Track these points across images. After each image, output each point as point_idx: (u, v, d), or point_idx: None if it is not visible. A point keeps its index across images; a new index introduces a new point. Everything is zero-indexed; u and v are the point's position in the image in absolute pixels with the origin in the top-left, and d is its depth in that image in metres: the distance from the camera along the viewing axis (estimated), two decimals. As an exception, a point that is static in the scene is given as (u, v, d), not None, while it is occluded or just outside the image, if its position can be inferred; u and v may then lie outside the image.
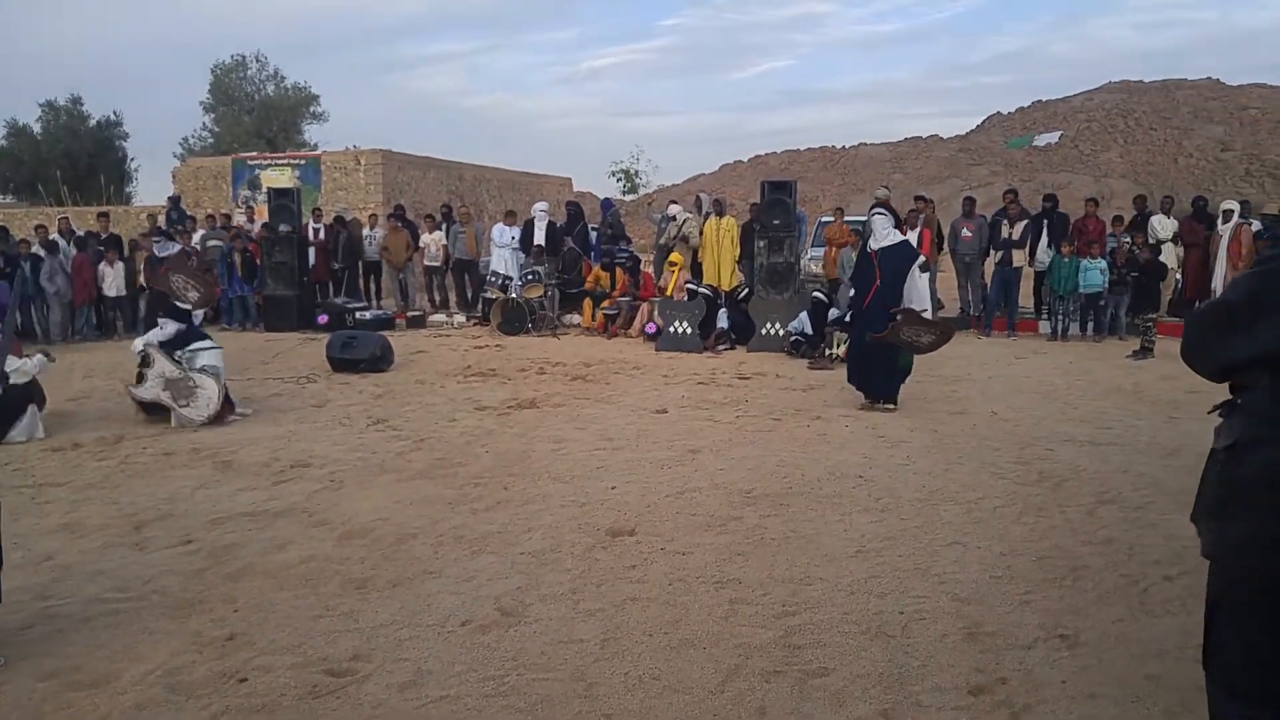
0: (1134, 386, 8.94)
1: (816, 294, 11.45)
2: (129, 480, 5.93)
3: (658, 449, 6.49)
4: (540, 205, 15.69)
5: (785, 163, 40.16)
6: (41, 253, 13.73)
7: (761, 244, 12.10)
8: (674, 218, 14.13)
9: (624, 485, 5.59)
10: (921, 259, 7.87)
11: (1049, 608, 3.79)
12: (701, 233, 13.64)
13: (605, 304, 13.48)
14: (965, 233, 13.01)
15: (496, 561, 4.37)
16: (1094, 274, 12.08)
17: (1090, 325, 12.44)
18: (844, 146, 42.49)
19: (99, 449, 6.76)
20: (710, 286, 12.59)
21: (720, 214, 13.67)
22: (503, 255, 14.85)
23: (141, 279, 13.47)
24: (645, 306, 12.96)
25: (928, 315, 7.81)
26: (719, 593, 3.95)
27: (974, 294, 13.29)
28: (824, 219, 16.99)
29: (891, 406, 7.67)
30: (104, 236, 14.74)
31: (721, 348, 11.64)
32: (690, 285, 12.30)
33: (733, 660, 3.34)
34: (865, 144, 42.35)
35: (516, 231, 15.06)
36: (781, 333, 11.42)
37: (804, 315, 11.14)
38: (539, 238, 14.77)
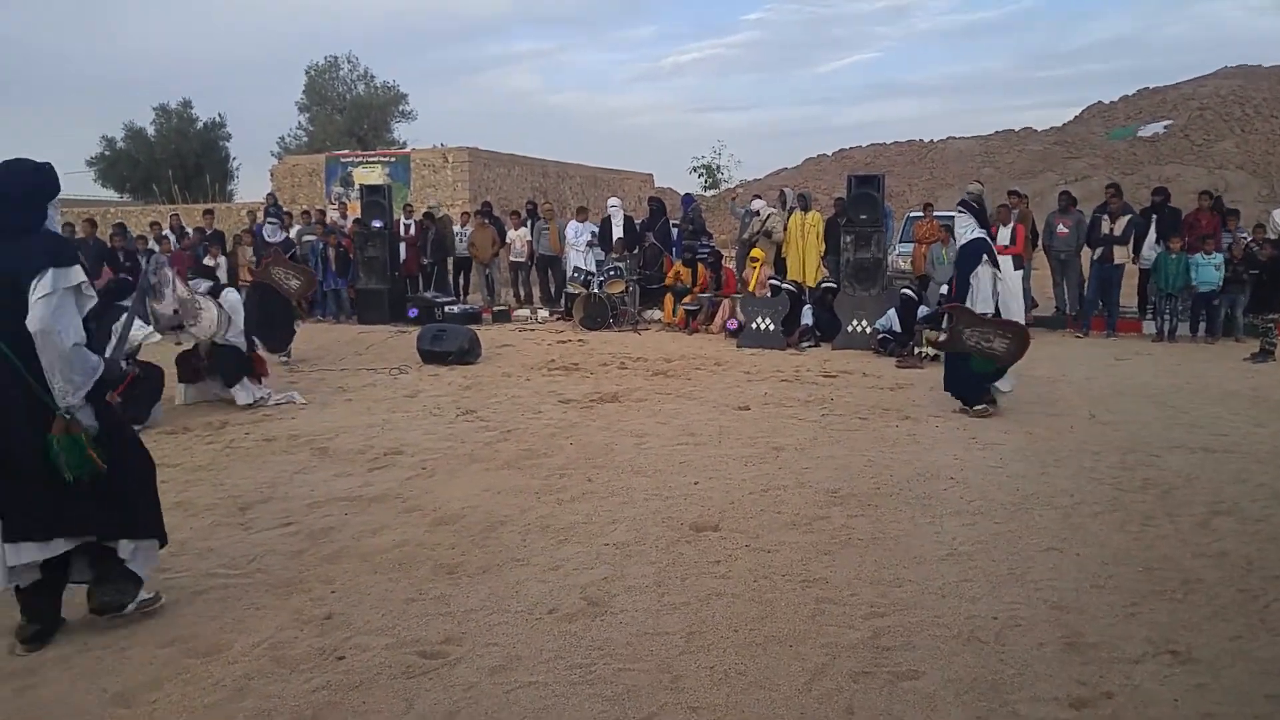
0: (1252, 391, 8.51)
1: (905, 290, 11.25)
2: (234, 464, 6.20)
3: (740, 446, 6.48)
4: (614, 201, 15.78)
5: (871, 157, 39.53)
6: (156, 247, 14.44)
7: (848, 239, 11.95)
8: (757, 213, 14.05)
9: (707, 481, 5.60)
10: (985, 257, 7.52)
11: (1157, 621, 3.64)
12: (785, 228, 13.54)
13: (686, 300, 13.49)
14: (1061, 228, 12.58)
15: (582, 552, 4.43)
16: (1209, 271, 11.43)
17: (1202, 325, 11.80)
18: (932, 140, 41.62)
19: (206, 433, 7.07)
20: (794, 282, 12.50)
21: (805, 209, 13.55)
22: (578, 252, 14.98)
23: (243, 272, 13.99)
24: (727, 302, 12.93)
25: (990, 317, 7.48)
26: (805, 591, 3.93)
27: (1070, 292, 12.84)
28: (912, 214, 16.69)
29: (983, 410, 7.45)
30: (209, 232, 15.36)
31: (805, 345, 11.54)
32: (773, 281, 12.22)
33: (820, 659, 3.33)
34: (954, 137, 41.40)
35: (589, 228, 15.18)
36: (868, 330, 11.27)
37: (892, 312, 10.96)
38: (616, 233, 14.85)
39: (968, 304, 7.45)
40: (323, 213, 17.61)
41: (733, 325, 12.33)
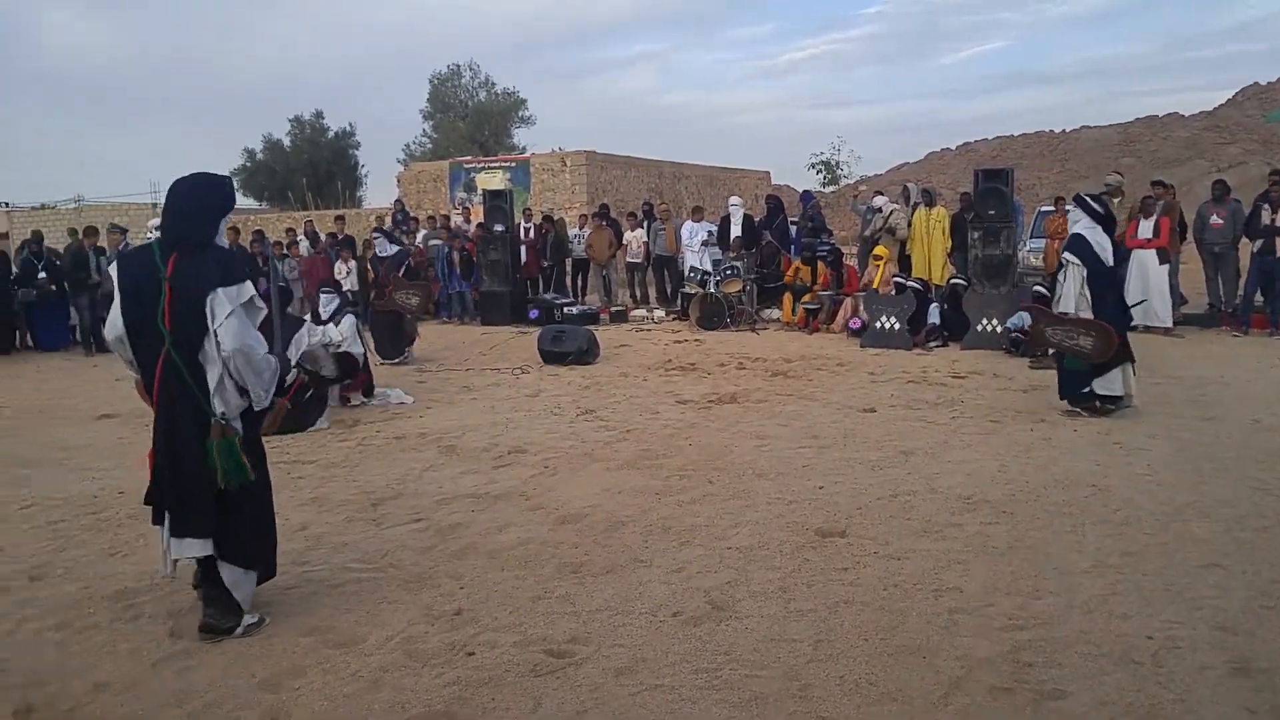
0: None
1: (1038, 288, 10.76)
2: (366, 460, 6.42)
3: (867, 449, 6.32)
4: (734, 200, 15.66)
5: (997, 150, 38.09)
6: (288, 253, 15.19)
7: (975, 235, 11.52)
8: (880, 209, 13.71)
9: (832, 485, 5.48)
10: (1072, 255, 7.02)
11: (1336, 647, 3.33)
12: (909, 224, 13.17)
13: (806, 298, 13.26)
14: (1215, 219, 11.74)
15: (705, 554, 4.39)
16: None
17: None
18: (1063, 130, 39.76)
19: (340, 431, 7.35)
20: (920, 280, 12.13)
21: (930, 204, 13.15)
22: (693, 252, 14.93)
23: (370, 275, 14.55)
24: (849, 301, 12.65)
25: (1072, 316, 7.01)
26: (938, 601, 3.79)
27: (1226, 288, 11.95)
28: (1043, 208, 15.99)
29: (1080, 411, 7.07)
30: (340, 237, 16.01)
31: (932, 344, 11.18)
32: (898, 279, 11.88)
33: (955, 672, 3.19)
34: (1088, 127, 39.42)
35: (704, 228, 15.11)
36: (999, 329, 10.83)
37: (1024, 311, 10.50)
38: (735, 232, 14.74)
39: (1054, 300, 7.07)
40: (447, 218, 18.13)
41: (855, 324, 12.06)
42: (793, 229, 15.41)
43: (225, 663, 3.41)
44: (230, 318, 3.44)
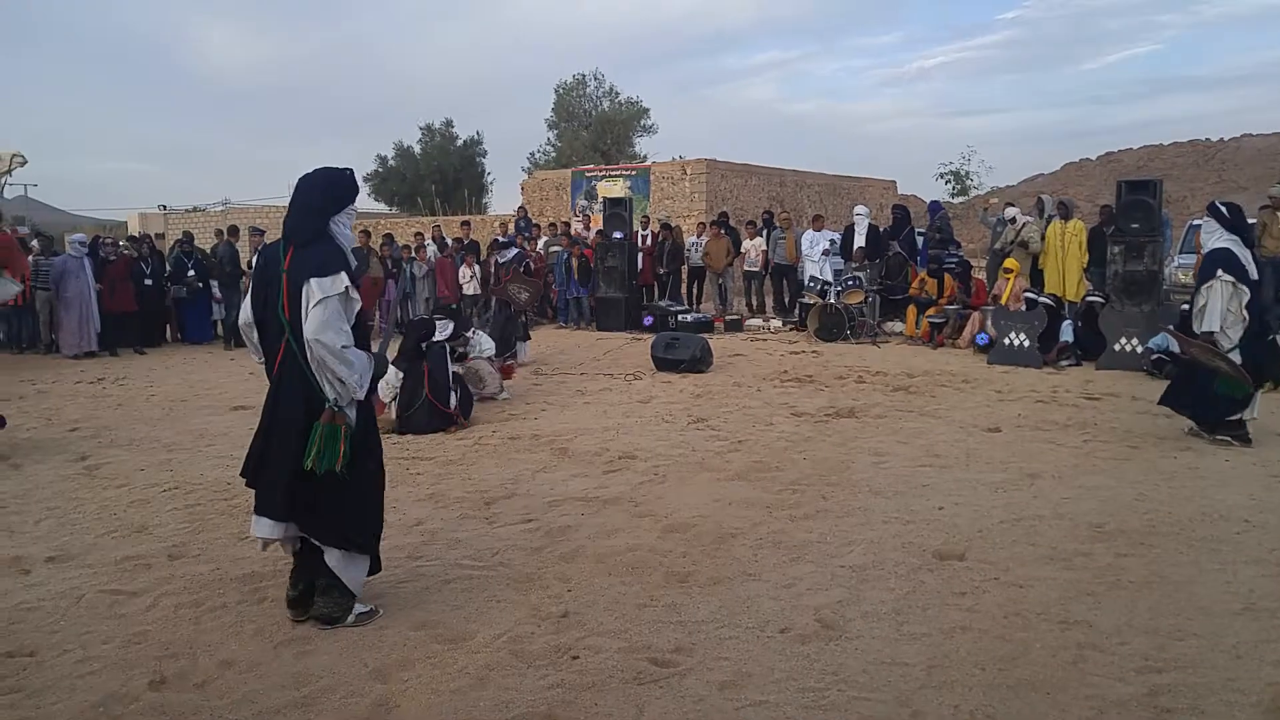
0: None
1: (1186, 306, 10.13)
2: (481, 460, 6.54)
3: (990, 470, 6.06)
4: (860, 208, 15.34)
5: (1143, 159, 36.04)
6: (415, 256, 15.72)
7: (1116, 250, 10.93)
8: (1012, 220, 13.19)
9: (952, 506, 5.27)
10: (1222, 271, 6.52)
11: None
12: (1043, 237, 12.62)
13: (931, 311, 12.88)
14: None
15: (816, 571, 4.28)
16: None
17: None
18: (1220, 139, 37.34)
19: (458, 431, 7.51)
20: (1053, 296, 11.61)
21: (1066, 217, 12.56)
22: (813, 261, 14.68)
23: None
24: (976, 315, 12.20)
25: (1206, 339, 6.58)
26: (1065, 634, 3.58)
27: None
28: (1195, 222, 15.07)
29: (1226, 439, 6.59)
30: (465, 243, 16.45)
31: (1065, 363, 10.66)
32: (1029, 294, 11.39)
33: (1083, 712, 3.00)
34: (1250, 135, 36.80)
35: (824, 237, 14.84)
36: (1139, 350, 10.24)
37: (1166, 333, 9.89)
38: (859, 241, 14.44)
39: (1194, 319, 6.60)
40: (567, 224, 18.39)
41: (983, 340, 11.63)
42: (919, 240, 15.00)
43: (340, 650, 3.51)
44: (316, 306, 3.52)
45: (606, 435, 7.24)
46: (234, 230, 15.56)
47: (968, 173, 37.79)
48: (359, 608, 3.78)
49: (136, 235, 17.78)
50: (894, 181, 29.61)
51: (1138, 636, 3.55)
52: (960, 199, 35.15)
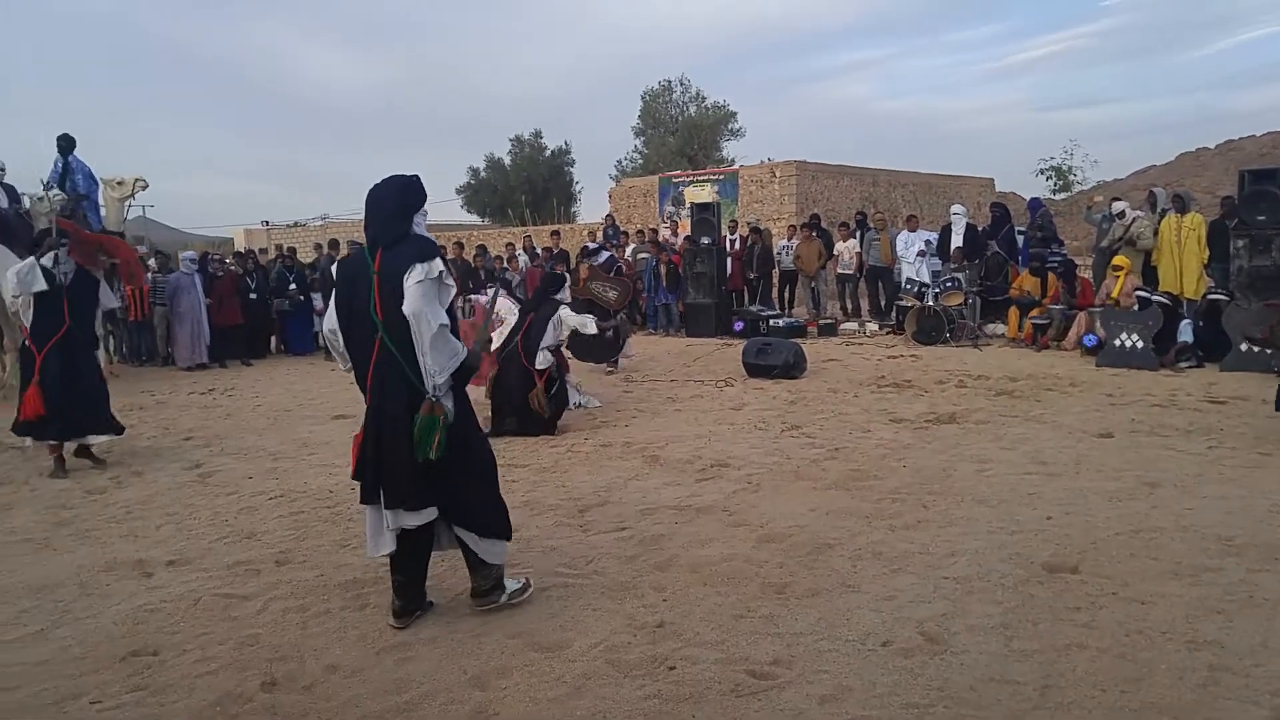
0: None
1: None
2: (574, 467, 6.57)
3: (1103, 479, 5.78)
4: (957, 207, 14.95)
5: (1268, 147, 34.00)
6: (508, 269, 16.00)
7: (1240, 244, 10.35)
8: (1121, 215, 12.64)
9: (1062, 516, 5.04)
10: None
11: None
12: (1156, 233, 12.05)
13: (1034, 313, 12.45)
14: None
15: (918, 583, 4.15)
16: None
17: None
18: (1349, 125, 34.93)
19: (550, 438, 7.57)
20: (1168, 294, 11.07)
21: (1182, 210, 11.96)
22: (909, 263, 14.35)
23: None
24: (1083, 316, 11.73)
25: None
26: (1193, 655, 3.36)
27: None
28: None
29: None
30: (555, 252, 16.63)
31: (1183, 365, 10.14)
32: (1142, 292, 10.88)
33: (1214, 737, 2.81)
34: (1379, 120, 34.39)
35: (920, 238, 14.48)
36: (1270, 350, 9.65)
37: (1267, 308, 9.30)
38: (956, 241, 14.06)
39: None
40: (655, 231, 18.42)
41: (1090, 341, 11.16)
42: (1020, 238, 14.52)
43: (439, 657, 3.54)
44: (417, 284, 3.63)
45: (698, 443, 7.19)
46: (334, 243, 16.07)
47: (1070, 168, 36.38)
48: (511, 584, 3.98)
49: (242, 251, 18.53)
50: (991, 179, 28.75)
51: (1274, 658, 3.31)
52: (1063, 195, 33.87)
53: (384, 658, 3.56)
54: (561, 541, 4.89)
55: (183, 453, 7.55)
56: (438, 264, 3.73)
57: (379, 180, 3.94)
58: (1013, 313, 12.83)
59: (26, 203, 11.62)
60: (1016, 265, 13.78)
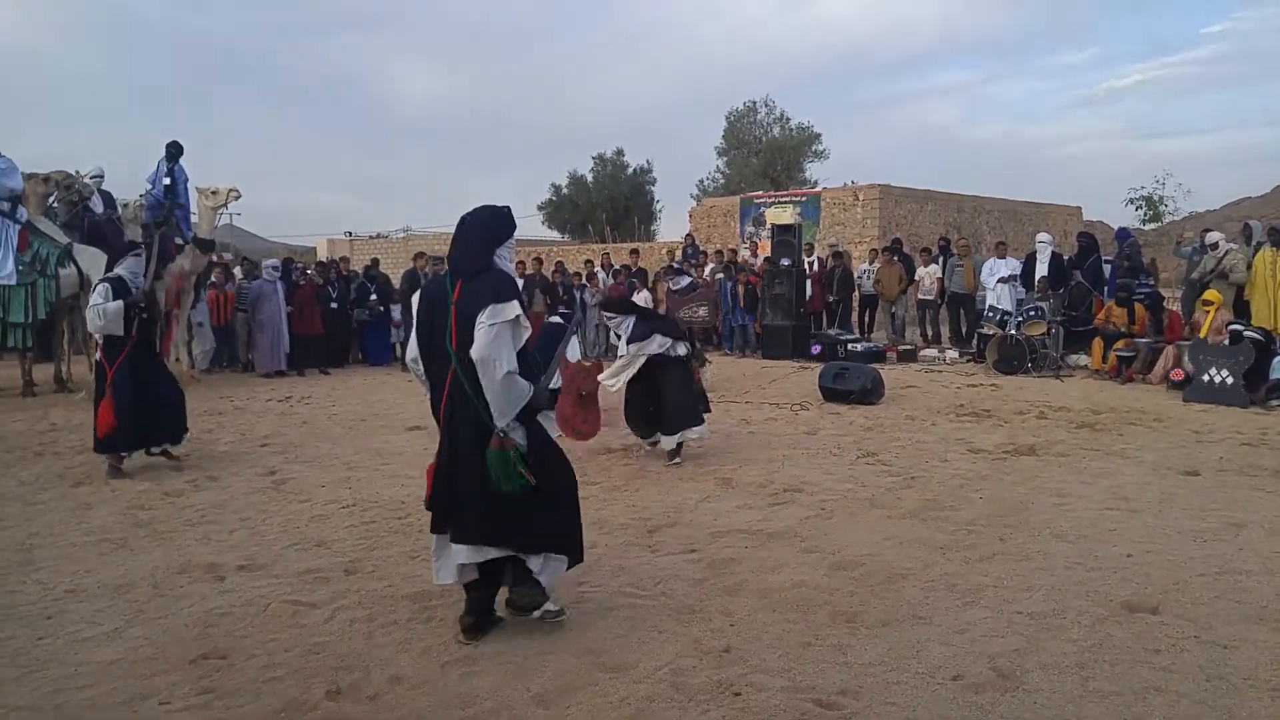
0: None
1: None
2: (645, 486, 6.59)
3: (1187, 517, 5.58)
4: (1043, 236, 14.62)
5: (1370, 180, 32.52)
6: (586, 285, 16.15)
7: (1338, 280, 9.91)
8: (1214, 246, 12.20)
9: (1143, 555, 4.88)
10: None
11: None
12: (1250, 266, 11.60)
13: (1120, 345, 12.06)
14: None
15: (991, 617, 4.06)
16: None
17: None
18: None
19: (622, 457, 7.62)
20: (1261, 329, 10.62)
21: (1279, 244, 11.50)
22: (997, 290, 14.06)
23: (660, 307, 15.10)
24: (1170, 350, 11.34)
25: None
26: (1275, 703, 3.22)
27: None
28: None
29: None
30: (634, 270, 16.75)
31: (1275, 403, 9.72)
32: (1235, 326, 10.48)
33: (1301, 793, 2.70)
34: None
35: (1008, 265, 14.17)
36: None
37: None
38: (1041, 270, 13.73)
39: None
40: (734, 251, 18.40)
41: (1177, 376, 10.78)
42: (1106, 269, 14.11)
43: (504, 673, 3.58)
44: (489, 327, 3.64)
45: (771, 466, 7.15)
46: (419, 255, 16.41)
47: (1162, 198, 35.25)
48: (549, 606, 3.93)
49: (324, 261, 19.02)
50: (1079, 207, 28.07)
51: (1368, 713, 3.16)
52: (1152, 225, 32.85)
53: (449, 671, 3.61)
54: (630, 561, 4.91)
55: (258, 459, 7.77)
56: (514, 306, 3.73)
57: (472, 208, 3.98)
58: (1097, 344, 12.46)
59: (119, 209, 12.23)
60: (1101, 296, 13.40)
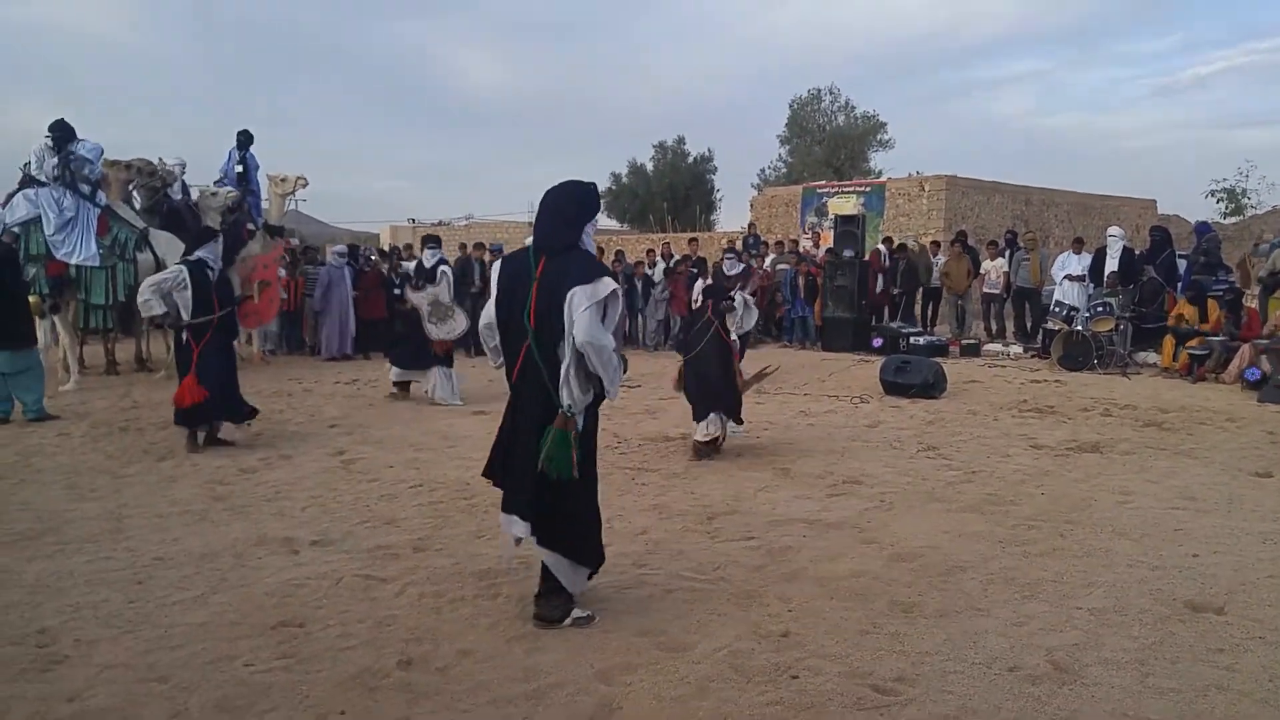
0: None
1: None
2: (704, 474, 6.67)
3: (1257, 519, 5.48)
4: (1114, 230, 14.28)
5: None
6: (651, 274, 16.24)
7: None
8: (1284, 245, 11.84)
9: (1209, 555, 4.82)
10: None
11: None
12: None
13: (1192, 343, 11.77)
14: None
15: (1050, 611, 4.06)
16: None
17: None
18: None
19: (683, 445, 7.68)
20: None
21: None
22: (1069, 285, 13.80)
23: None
24: (1246, 349, 11.02)
25: None
26: (1343, 707, 3.20)
27: None
28: None
29: None
30: (694, 259, 16.77)
31: (1356, 405, 9.44)
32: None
33: (1364, 795, 2.68)
34: None
35: (1080, 262, 13.89)
36: None
37: None
38: (1111, 265, 13.44)
39: None
40: (795, 242, 18.31)
41: (1253, 375, 10.50)
42: (1181, 264, 13.76)
43: (568, 650, 3.70)
44: (584, 312, 3.64)
45: (831, 458, 7.17)
46: (479, 246, 16.67)
47: (1244, 190, 34.03)
48: (576, 612, 3.92)
49: (385, 249, 19.35)
50: (1153, 200, 27.29)
51: None
52: (1233, 219, 31.75)
53: (514, 646, 3.73)
54: (689, 546, 4.99)
55: (327, 439, 8.00)
56: (606, 284, 3.72)
57: (555, 184, 3.94)
58: (1168, 341, 12.18)
59: (194, 194, 12.66)
60: (1174, 292, 13.07)
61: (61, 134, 10.75)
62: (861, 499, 5.97)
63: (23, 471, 6.69)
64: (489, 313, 4.02)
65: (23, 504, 5.83)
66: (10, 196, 10.72)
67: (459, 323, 9.99)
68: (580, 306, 3.64)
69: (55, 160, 10.71)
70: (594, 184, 3.99)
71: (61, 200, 10.63)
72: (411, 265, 10.99)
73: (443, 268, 10.09)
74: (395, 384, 10.24)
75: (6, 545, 5.00)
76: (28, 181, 10.84)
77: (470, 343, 15.05)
